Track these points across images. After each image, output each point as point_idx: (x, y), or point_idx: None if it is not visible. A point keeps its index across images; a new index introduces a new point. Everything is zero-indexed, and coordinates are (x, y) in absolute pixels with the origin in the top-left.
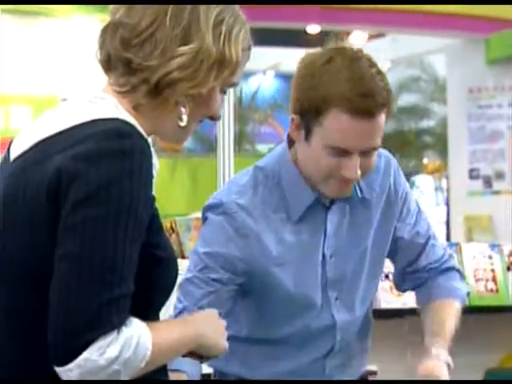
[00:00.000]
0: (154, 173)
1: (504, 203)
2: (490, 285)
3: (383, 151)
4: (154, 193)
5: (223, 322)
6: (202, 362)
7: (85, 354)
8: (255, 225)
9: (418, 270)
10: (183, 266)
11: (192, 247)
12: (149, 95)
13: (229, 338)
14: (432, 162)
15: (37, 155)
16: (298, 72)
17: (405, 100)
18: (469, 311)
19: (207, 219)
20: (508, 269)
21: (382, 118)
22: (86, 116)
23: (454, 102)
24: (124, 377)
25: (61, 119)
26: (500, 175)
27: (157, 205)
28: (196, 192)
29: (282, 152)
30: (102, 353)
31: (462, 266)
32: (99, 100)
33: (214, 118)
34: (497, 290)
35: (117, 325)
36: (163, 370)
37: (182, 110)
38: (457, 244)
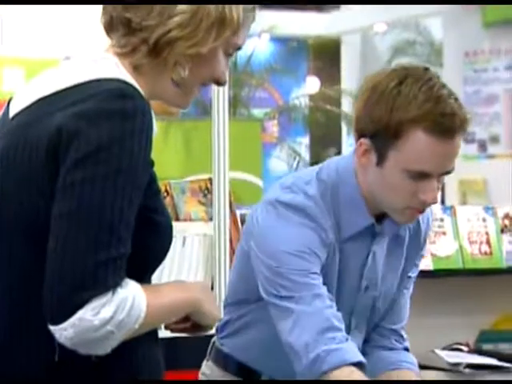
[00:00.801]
0: (153, 136)
1: (499, 167)
2: (484, 247)
3: None
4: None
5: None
6: (196, 335)
7: (79, 313)
8: (332, 234)
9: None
10: (178, 228)
11: (186, 210)
12: (149, 55)
13: None
14: None
15: (37, 112)
16: (364, 96)
17: (400, 63)
18: (463, 273)
19: (280, 215)
20: (502, 231)
21: (460, 138)
22: (89, 75)
23: (449, 65)
24: (118, 338)
25: (63, 77)
26: (495, 139)
27: (154, 169)
28: (190, 156)
29: (345, 166)
30: (96, 313)
31: (456, 229)
32: (101, 59)
33: (220, 81)
34: (491, 253)
35: (112, 285)
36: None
37: (181, 71)
38: (451, 207)
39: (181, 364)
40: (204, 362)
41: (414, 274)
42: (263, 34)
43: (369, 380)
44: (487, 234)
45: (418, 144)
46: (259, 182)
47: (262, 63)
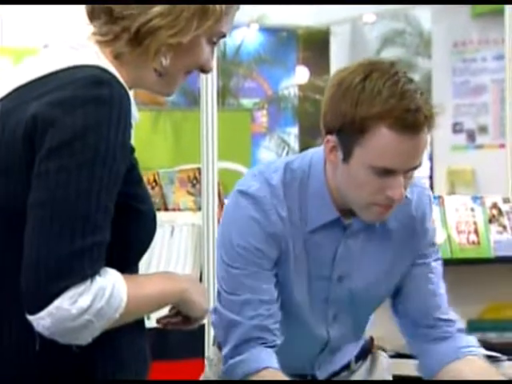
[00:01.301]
0: (134, 123)
1: (487, 157)
2: (472, 237)
3: (419, 181)
4: (133, 144)
5: (204, 286)
6: (187, 329)
7: (56, 302)
8: (282, 225)
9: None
10: (167, 218)
11: (175, 200)
12: (130, 44)
13: None
14: None
15: (15, 100)
16: (329, 91)
17: (389, 54)
18: (451, 263)
19: (238, 205)
20: (490, 221)
21: (426, 133)
22: (66, 62)
23: (438, 55)
24: (98, 327)
25: (41, 65)
26: (483, 129)
27: (138, 157)
28: (179, 145)
29: (317, 160)
30: (73, 302)
31: (444, 219)
32: (80, 47)
33: (205, 69)
34: (478, 243)
35: (89, 274)
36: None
37: (163, 59)
38: (439, 197)
39: (169, 354)
40: (211, 347)
41: (428, 259)
42: (252, 24)
43: (368, 380)
44: (475, 223)
45: (382, 140)
46: None
47: (250, 53)
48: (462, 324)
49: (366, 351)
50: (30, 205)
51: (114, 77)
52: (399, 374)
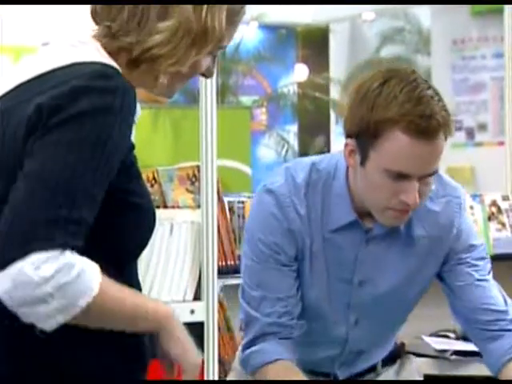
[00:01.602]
0: (136, 119)
1: (486, 155)
2: None
3: (450, 186)
4: (133, 141)
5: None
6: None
7: (19, 265)
8: (300, 223)
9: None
10: (166, 215)
11: (174, 197)
12: (128, 66)
13: None
14: None
15: (14, 99)
16: (349, 98)
17: (388, 51)
18: None
19: (262, 200)
20: (489, 219)
21: (442, 140)
22: (68, 59)
23: (438, 53)
24: (59, 308)
25: (40, 63)
26: (482, 127)
27: (137, 155)
28: (178, 143)
29: (342, 164)
30: (36, 267)
31: None
32: (81, 44)
33: (206, 75)
34: None
35: (59, 244)
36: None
37: (162, 80)
38: None
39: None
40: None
41: (467, 259)
42: (251, 21)
43: (368, 380)
44: (475, 221)
45: (395, 144)
46: (248, 170)
47: (250, 51)
48: None
49: (395, 356)
50: (18, 178)
51: (118, 71)
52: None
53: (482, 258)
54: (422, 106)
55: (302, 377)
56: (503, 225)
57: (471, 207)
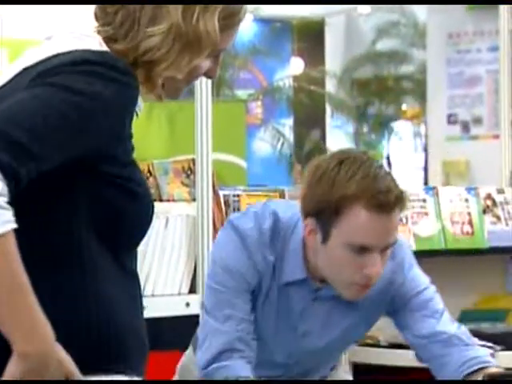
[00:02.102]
0: (138, 110)
1: (481, 148)
2: (466, 228)
3: (397, 251)
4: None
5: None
6: None
7: None
8: (265, 267)
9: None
10: (161, 209)
11: (169, 191)
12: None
13: None
14: (411, 107)
15: (19, 80)
16: (307, 178)
17: (384, 45)
18: (445, 254)
19: (229, 236)
20: (484, 212)
21: (398, 213)
22: (71, 47)
23: (433, 47)
24: None
25: (45, 51)
26: (478, 120)
27: (133, 145)
28: (174, 137)
29: (300, 220)
30: None
31: (438, 210)
32: (84, 37)
33: (209, 76)
34: (473, 233)
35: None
36: None
37: (161, 84)
38: (434, 187)
39: (163, 344)
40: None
41: (415, 299)
42: (247, 14)
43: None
44: (469, 214)
45: (357, 218)
46: (243, 164)
47: (245, 44)
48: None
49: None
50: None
51: (121, 59)
52: (394, 364)
53: (429, 300)
54: (378, 182)
55: None
56: (498, 218)
57: (466, 200)
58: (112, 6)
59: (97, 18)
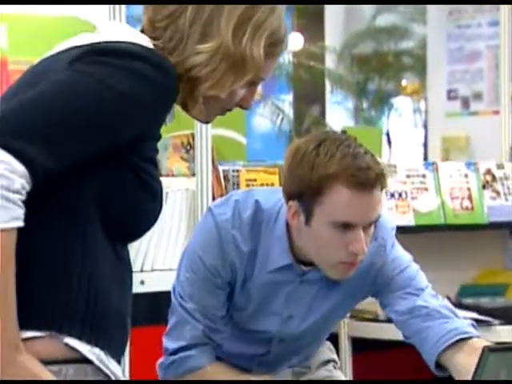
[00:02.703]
0: (168, 120)
1: (481, 124)
2: (466, 203)
3: (380, 226)
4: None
5: None
6: None
7: None
8: (238, 258)
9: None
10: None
11: (169, 165)
12: None
13: None
14: (411, 83)
15: (61, 55)
16: (287, 161)
17: (384, 20)
18: (445, 229)
19: (206, 224)
20: (484, 187)
21: (379, 190)
22: (122, 37)
23: (433, 22)
24: None
25: (96, 37)
26: (478, 96)
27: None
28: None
29: (284, 208)
30: None
31: (438, 185)
32: (133, 34)
33: (243, 107)
34: (472, 208)
35: (26, 157)
36: None
37: (200, 104)
38: (433, 163)
39: (163, 319)
40: None
41: (403, 276)
42: None
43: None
44: (469, 189)
45: (339, 197)
46: (242, 139)
47: None
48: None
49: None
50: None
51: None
52: (392, 338)
53: (412, 278)
54: (358, 160)
55: (243, 375)
56: (498, 193)
57: (466, 175)
58: (161, 21)
59: (144, 32)
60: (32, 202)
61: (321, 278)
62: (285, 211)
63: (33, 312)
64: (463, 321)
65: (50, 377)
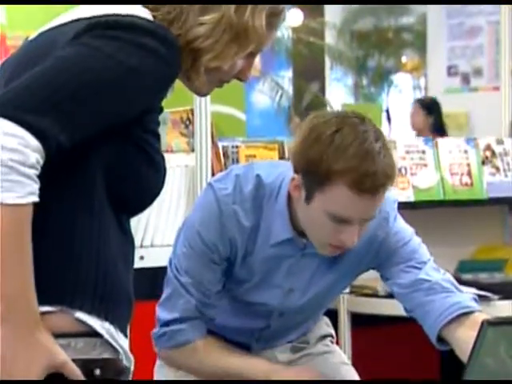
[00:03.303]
0: (169, 94)
1: (481, 100)
2: (465, 179)
3: (382, 206)
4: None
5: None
6: None
7: None
8: (239, 233)
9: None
10: None
11: (168, 141)
12: None
13: None
14: (411, 60)
15: (61, 29)
16: (302, 134)
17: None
18: (444, 205)
19: (207, 199)
20: (483, 163)
21: (383, 192)
22: (125, 10)
23: None
24: None
25: (99, 8)
26: (478, 72)
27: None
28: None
29: (286, 183)
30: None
31: (437, 161)
32: (134, 6)
33: (241, 79)
34: (471, 184)
35: (40, 131)
36: None
37: (196, 78)
38: (433, 139)
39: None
40: None
41: (406, 250)
42: None
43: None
44: (468, 165)
45: (340, 195)
46: (242, 116)
47: None
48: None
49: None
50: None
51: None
52: (391, 313)
53: (414, 252)
54: (367, 162)
55: (235, 353)
56: (497, 169)
57: (465, 151)
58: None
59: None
60: (44, 176)
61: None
62: (286, 185)
63: (45, 287)
64: (465, 295)
65: (62, 356)
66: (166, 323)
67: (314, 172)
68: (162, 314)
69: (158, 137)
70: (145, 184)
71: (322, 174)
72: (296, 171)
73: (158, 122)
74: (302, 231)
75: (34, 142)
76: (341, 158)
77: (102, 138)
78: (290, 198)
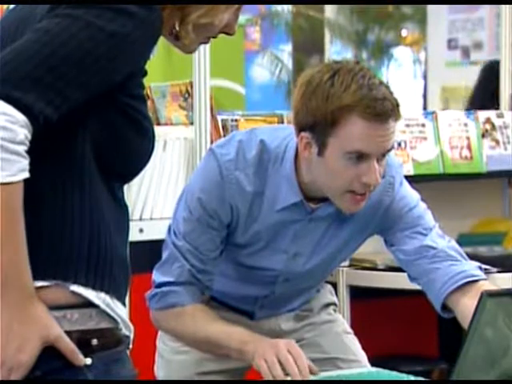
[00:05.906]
0: (152, 55)
1: None
2: (465, 152)
3: (388, 166)
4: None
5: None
6: None
7: None
8: (241, 198)
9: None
10: (159, 132)
11: (167, 114)
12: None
13: None
14: (411, 34)
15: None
16: (299, 91)
17: None
18: (443, 178)
19: (209, 164)
20: (483, 136)
21: (394, 121)
22: None
23: None
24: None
25: None
26: (478, 45)
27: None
28: (171, 62)
29: (291, 146)
30: None
31: (437, 134)
32: None
33: (228, 33)
34: (471, 158)
35: (27, 107)
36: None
37: (184, 35)
38: (433, 112)
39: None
40: None
41: (412, 215)
42: None
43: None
44: (468, 138)
45: (354, 128)
46: (242, 90)
47: None
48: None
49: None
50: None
51: None
52: (391, 287)
53: (420, 217)
54: (374, 91)
55: (219, 322)
56: (497, 142)
57: (465, 124)
58: None
59: None
60: (34, 152)
61: (329, 214)
62: (291, 149)
63: (38, 262)
64: (471, 263)
65: (57, 330)
66: (160, 285)
67: (321, 119)
68: (157, 276)
69: (143, 100)
70: (134, 151)
71: (330, 116)
72: (302, 129)
73: (143, 86)
74: (309, 196)
75: (20, 117)
76: (346, 93)
77: (89, 106)
78: (296, 162)
